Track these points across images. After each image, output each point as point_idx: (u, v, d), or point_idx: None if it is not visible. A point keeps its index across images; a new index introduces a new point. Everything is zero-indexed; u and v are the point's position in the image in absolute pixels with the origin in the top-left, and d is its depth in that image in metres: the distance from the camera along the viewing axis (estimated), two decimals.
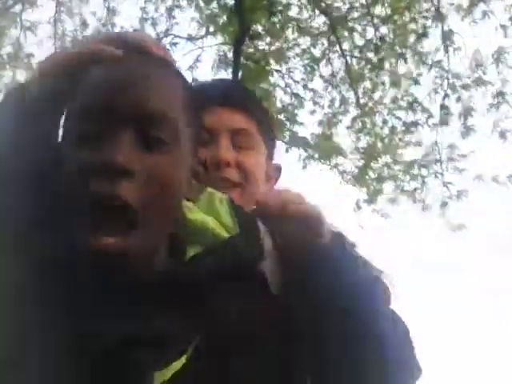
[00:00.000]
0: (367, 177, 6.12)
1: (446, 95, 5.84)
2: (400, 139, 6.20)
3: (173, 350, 0.68)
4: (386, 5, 5.87)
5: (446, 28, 5.59)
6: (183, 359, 0.68)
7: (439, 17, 5.55)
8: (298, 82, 6.14)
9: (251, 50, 5.61)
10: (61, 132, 0.77)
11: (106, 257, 0.66)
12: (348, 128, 6.43)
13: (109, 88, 0.71)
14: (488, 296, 5.86)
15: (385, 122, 6.38)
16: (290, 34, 6.00)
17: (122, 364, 0.65)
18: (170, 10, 5.69)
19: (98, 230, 0.66)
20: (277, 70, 5.98)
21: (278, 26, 5.66)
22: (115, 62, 0.74)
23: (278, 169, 1.27)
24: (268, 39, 5.73)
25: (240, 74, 5.39)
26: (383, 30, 6.03)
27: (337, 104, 6.49)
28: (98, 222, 0.66)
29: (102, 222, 0.66)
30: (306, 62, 6.20)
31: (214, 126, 1.11)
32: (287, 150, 5.92)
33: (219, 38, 5.82)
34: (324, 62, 6.37)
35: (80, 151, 0.69)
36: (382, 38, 6.00)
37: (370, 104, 6.50)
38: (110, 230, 0.66)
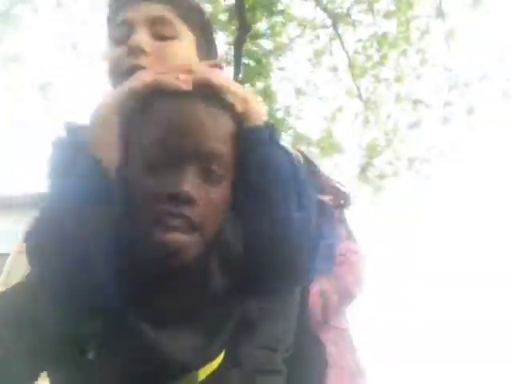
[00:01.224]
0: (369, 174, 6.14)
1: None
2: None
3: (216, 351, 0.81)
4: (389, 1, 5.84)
5: (448, 25, 5.54)
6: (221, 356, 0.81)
7: (441, 14, 5.51)
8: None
9: (253, 48, 5.59)
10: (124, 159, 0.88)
11: (171, 246, 0.80)
12: (351, 123, 6.44)
13: (178, 125, 0.84)
14: None
15: (388, 117, 6.40)
16: (291, 30, 6.01)
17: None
18: None
19: (167, 229, 0.80)
20: (280, 68, 5.96)
21: (278, 24, 5.64)
22: (182, 96, 0.87)
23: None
24: (269, 37, 5.70)
25: (241, 72, 5.39)
26: (386, 26, 6.02)
27: (340, 99, 6.50)
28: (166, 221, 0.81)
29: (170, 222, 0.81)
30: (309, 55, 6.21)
31: (132, 18, 1.06)
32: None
33: (220, 37, 5.80)
34: (326, 55, 6.37)
35: (146, 179, 0.83)
36: (383, 34, 5.99)
37: (373, 99, 6.50)
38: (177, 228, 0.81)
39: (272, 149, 0.87)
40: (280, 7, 5.53)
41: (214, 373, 0.79)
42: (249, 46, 5.52)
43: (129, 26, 1.04)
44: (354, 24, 6.14)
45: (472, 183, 5.82)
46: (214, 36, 1.19)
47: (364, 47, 6.29)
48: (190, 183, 0.81)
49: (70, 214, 0.80)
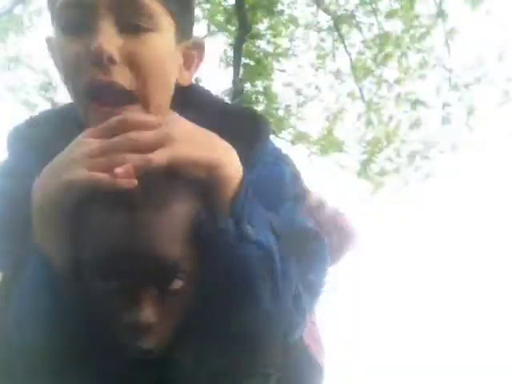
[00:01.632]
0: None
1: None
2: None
3: None
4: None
5: (448, 25, 5.54)
6: None
7: (442, 14, 5.51)
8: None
9: (252, 49, 5.61)
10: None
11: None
12: (353, 124, 6.44)
13: None
14: None
15: (390, 118, 6.39)
16: (292, 31, 6.02)
17: None
18: None
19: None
20: (281, 70, 5.98)
21: (279, 24, 5.66)
22: None
23: (197, 45, 0.94)
24: (269, 38, 5.72)
25: (241, 72, 5.42)
26: (387, 26, 6.01)
27: (342, 100, 6.50)
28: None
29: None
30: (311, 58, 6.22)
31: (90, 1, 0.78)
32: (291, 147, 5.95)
33: (220, 37, 5.82)
34: (330, 57, 6.38)
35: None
36: (386, 35, 5.99)
37: (375, 100, 6.49)
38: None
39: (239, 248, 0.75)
40: (280, 7, 5.55)
41: None
42: (249, 46, 5.54)
43: (86, 10, 0.78)
44: (357, 25, 6.15)
45: (471, 183, 5.79)
46: (193, 15, 0.96)
47: (367, 47, 6.29)
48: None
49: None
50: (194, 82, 0.99)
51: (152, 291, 0.73)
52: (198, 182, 0.76)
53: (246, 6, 5.15)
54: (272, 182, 0.91)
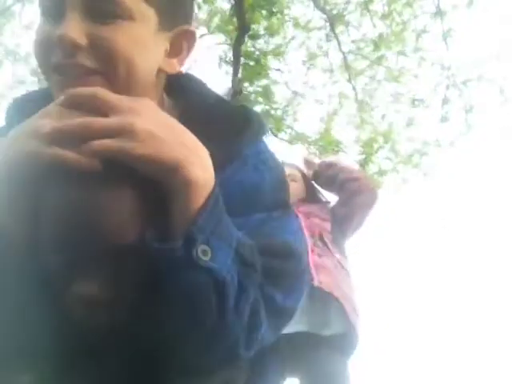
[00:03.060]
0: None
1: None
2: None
3: None
4: (385, 1, 5.87)
5: (446, 24, 5.58)
6: None
7: (439, 13, 5.54)
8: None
9: (251, 49, 5.59)
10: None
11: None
12: (347, 124, 6.47)
13: None
14: None
15: (383, 117, 6.42)
16: (288, 30, 6.02)
17: None
18: None
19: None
20: (276, 69, 5.97)
21: (276, 24, 5.64)
22: None
23: (187, 34, 0.92)
24: (267, 38, 5.71)
25: (240, 72, 5.39)
26: (382, 26, 6.04)
27: (335, 99, 6.52)
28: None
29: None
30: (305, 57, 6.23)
31: None
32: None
33: (219, 37, 5.79)
34: (322, 57, 6.39)
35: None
36: (380, 35, 6.02)
37: (369, 100, 6.53)
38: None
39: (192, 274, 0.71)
40: (279, 7, 5.54)
41: None
42: (248, 46, 5.52)
43: (57, 7, 0.81)
44: (350, 25, 6.16)
45: (470, 181, 5.84)
46: (183, 4, 0.92)
47: (360, 48, 6.32)
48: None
49: None
50: (187, 71, 0.99)
51: (102, 266, 0.71)
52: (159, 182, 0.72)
53: (246, 6, 5.13)
54: (247, 187, 0.86)
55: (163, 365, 0.77)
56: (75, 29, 0.78)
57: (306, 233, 2.47)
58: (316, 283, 2.36)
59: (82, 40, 0.79)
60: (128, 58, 0.81)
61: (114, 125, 0.70)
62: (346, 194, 2.68)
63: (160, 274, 0.72)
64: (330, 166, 2.86)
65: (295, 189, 2.76)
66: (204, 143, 0.76)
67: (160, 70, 0.89)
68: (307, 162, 2.96)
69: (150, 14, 0.83)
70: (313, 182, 2.91)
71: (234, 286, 0.73)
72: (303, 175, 2.89)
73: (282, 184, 0.94)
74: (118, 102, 0.73)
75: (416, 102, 6.03)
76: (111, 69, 0.81)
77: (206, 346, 0.75)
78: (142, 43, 0.83)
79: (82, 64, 0.79)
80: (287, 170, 2.76)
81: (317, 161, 2.97)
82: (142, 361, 0.77)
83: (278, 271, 0.81)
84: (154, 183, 0.71)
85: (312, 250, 2.47)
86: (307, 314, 2.29)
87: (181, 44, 0.91)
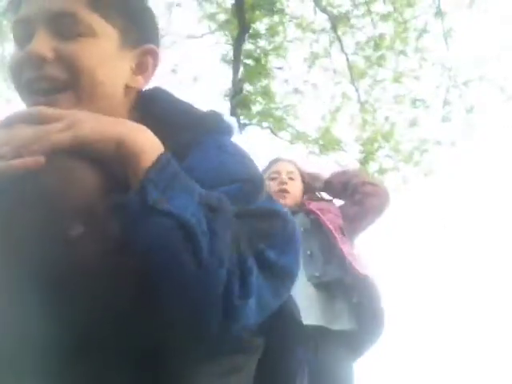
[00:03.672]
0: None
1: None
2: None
3: None
4: (387, 2, 5.87)
5: (447, 24, 5.57)
6: None
7: (440, 13, 5.54)
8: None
9: (252, 48, 5.60)
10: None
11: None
12: (349, 124, 6.45)
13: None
14: None
15: (386, 118, 6.41)
16: (290, 31, 6.03)
17: None
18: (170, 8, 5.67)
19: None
20: (278, 68, 5.97)
21: (278, 24, 5.66)
22: None
23: (152, 53, 1.01)
24: (268, 37, 5.72)
25: (240, 72, 5.41)
26: (383, 27, 6.04)
27: (338, 100, 6.51)
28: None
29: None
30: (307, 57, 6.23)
31: (28, 16, 0.91)
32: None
33: (220, 37, 5.81)
34: (325, 58, 6.39)
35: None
36: (381, 36, 6.02)
37: (371, 100, 6.51)
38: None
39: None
40: (279, 7, 5.55)
41: None
42: (248, 45, 5.54)
43: (27, 25, 0.91)
44: (352, 26, 6.16)
45: (471, 181, 5.82)
46: (154, 19, 1.04)
47: (362, 49, 6.31)
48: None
49: None
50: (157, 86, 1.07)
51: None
52: (110, 159, 0.77)
53: (246, 6, 5.15)
54: (211, 168, 0.90)
55: (167, 354, 0.76)
56: (42, 44, 0.88)
57: (330, 226, 2.54)
58: (363, 273, 2.42)
59: (49, 54, 0.88)
60: (90, 70, 0.89)
61: (62, 124, 0.76)
62: (361, 195, 2.72)
63: (130, 232, 0.73)
64: (344, 173, 2.92)
65: (296, 186, 2.83)
66: (169, 147, 0.83)
67: (127, 87, 0.97)
68: (312, 177, 2.95)
69: (111, 32, 0.93)
70: (322, 191, 2.93)
71: (203, 230, 0.74)
72: (301, 173, 2.90)
73: (246, 166, 0.95)
74: (56, 112, 0.79)
75: (417, 103, 6.01)
76: (76, 80, 0.89)
77: (197, 301, 0.74)
78: (104, 58, 0.92)
79: (50, 75, 0.88)
80: (287, 167, 2.86)
81: (322, 174, 2.97)
82: (142, 355, 0.76)
83: (265, 231, 0.82)
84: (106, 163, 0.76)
85: (344, 243, 2.52)
86: (320, 308, 2.32)
87: (146, 62, 1.01)
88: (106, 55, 0.92)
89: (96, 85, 0.90)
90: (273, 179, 2.81)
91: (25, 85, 0.89)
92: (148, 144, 0.79)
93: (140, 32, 0.99)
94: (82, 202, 0.72)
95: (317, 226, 2.55)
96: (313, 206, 2.69)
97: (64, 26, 0.89)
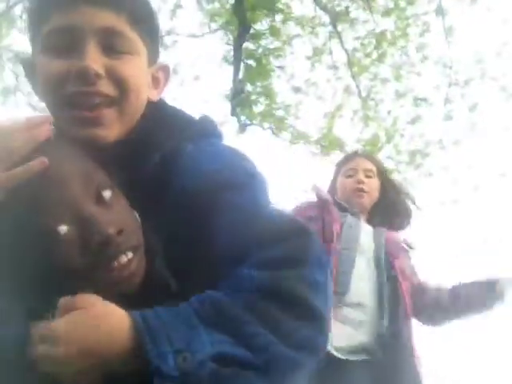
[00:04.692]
0: None
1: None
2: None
3: None
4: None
5: (448, 22, 5.54)
6: None
7: (441, 11, 5.50)
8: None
9: (252, 48, 5.57)
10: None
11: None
12: (351, 120, 6.44)
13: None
14: None
15: (389, 112, 6.39)
16: (290, 29, 6.00)
17: None
18: (173, 9, 5.63)
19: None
20: (278, 67, 5.95)
21: (278, 23, 5.63)
22: None
23: (165, 69, 1.08)
24: (269, 37, 5.69)
25: (241, 72, 5.39)
26: (384, 24, 6.01)
27: (339, 97, 6.49)
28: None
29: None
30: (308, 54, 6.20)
31: (77, 25, 0.89)
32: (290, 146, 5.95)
33: (221, 37, 5.78)
34: (325, 54, 6.36)
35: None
36: (382, 32, 5.99)
37: (372, 96, 6.49)
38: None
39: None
40: (280, 6, 5.51)
41: None
42: (249, 45, 5.51)
43: (73, 35, 0.90)
44: (352, 22, 6.13)
45: (472, 180, 5.82)
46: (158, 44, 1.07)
47: (363, 45, 6.28)
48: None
49: None
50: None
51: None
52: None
53: (246, 6, 5.12)
54: (212, 169, 0.93)
55: None
56: (96, 60, 0.89)
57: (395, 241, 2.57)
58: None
59: (101, 70, 0.90)
60: (137, 87, 0.94)
61: (44, 331, 0.76)
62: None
63: None
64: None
65: (374, 184, 2.69)
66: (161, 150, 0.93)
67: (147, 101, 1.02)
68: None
69: (144, 50, 0.98)
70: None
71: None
72: (378, 170, 2.77)
73: (248, 165, 0.99)
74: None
75: (419, 101, 5.99)
76: (124, 97, 0.93)
77: None
78: (144, 75, 0.98)
79: (102, 92, 0.90)
80: (364, 164, 2.66)
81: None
82: None
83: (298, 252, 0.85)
84: None
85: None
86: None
87: (159, 78, 1.06)
88: (144, 73, 0.98)
89: (139, 101, 0.96)
90: (349, 176, 2.67)
91: (69, 97, 0.90)
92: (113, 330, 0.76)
93: (156, 49, 1.04)
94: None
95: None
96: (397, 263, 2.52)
97: (113, 43, 0.92)
